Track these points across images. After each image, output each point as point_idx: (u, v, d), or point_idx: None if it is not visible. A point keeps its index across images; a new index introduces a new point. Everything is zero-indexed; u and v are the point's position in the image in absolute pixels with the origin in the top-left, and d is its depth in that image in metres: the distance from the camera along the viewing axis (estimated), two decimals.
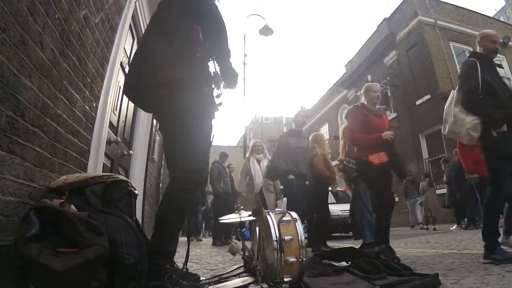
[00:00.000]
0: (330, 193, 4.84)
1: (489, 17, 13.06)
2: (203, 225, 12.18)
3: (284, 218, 1.61)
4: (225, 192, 5.90)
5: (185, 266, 1.63)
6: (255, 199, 2.15)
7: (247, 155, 5.04)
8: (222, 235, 5.95)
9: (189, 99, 1.42)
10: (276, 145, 4.27)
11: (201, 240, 6.77)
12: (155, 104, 1.51)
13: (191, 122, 1.44)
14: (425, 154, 10.48)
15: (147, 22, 3.42)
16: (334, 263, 2.09)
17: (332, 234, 6.94)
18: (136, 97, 1.61)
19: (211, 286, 1.60)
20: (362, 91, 3.31)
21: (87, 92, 1.90)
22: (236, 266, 2.18)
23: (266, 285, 1.44)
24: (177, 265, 1.68)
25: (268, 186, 4.62)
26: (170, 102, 1.43)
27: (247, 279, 1.66)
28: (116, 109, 2.62)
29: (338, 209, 7.26)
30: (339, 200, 8.48)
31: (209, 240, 8.02)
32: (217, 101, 1.56)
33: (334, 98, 16.78)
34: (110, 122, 2.39)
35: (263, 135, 31.84)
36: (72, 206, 1.23)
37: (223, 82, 1.65)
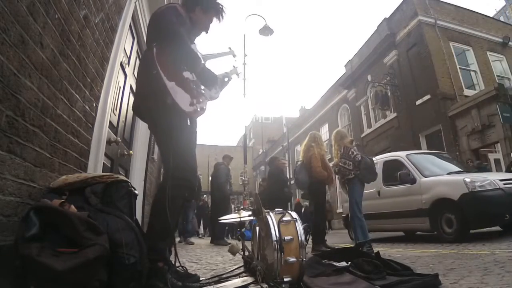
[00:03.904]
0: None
1: (489, 17, 13.05)
2: (201, 223, 12.14)
3: (284, 218, 1.61)
4: (230, 193, 6.30)
5: (178, 265, 1.67)
6: (255, 199, 2.15)
7: None
8: (224, 235, 6.07)
9: (160, 110, 1.58)
10: None
11: (192, 243, 6.09)
12: (146, 114, 1.72)
13: (169, 128, 1.59)
14: None
15: (147, 22, 3.43)
16: (334, 263, 2.09)
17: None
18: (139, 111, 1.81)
19: (211, 286, 1.60)
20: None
21: (87, 92, 1.90)
22: (236, 266, 2.18)
23: (266, 285, 1.44)
24: (177, 266, 1.68)
25: None
26: (152, 113, 1.64)
27: (247, 279, 1.67)
28: (116, 109, 2.62)
29: (497, 178, 4.01)
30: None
31: (202, 240, 7.91)
32: (198, 107, 1.70)
33: (334, 98, 16.79)
34: (110, 122, 2.39)
35: (263, 135, 31.89)
36: (72, 206, 1.23)
37: (202, 86, 1.78)
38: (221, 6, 1.93)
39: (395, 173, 5.02)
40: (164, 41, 1.60)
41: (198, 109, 1.69)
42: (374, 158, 4.13)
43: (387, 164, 5.52)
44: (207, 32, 1.96)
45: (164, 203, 1.49)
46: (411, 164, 4.90)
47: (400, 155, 5.39)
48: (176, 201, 1.57)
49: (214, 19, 1.94)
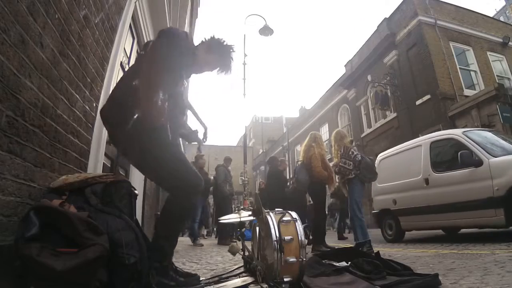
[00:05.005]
0: None
1: (489, 17, 13.04)
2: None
3: (284, 218, 1.61)
4: (230, 193, 6.28)
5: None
6: (255, 198, 2.15)
7: None
8: (229, 235, 6.12)
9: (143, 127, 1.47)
10: None
11: (202, 245, 5.91)
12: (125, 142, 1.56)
13: (164, 145, 1.53)
14: None
15: (147, 22, 3.43)
16: (334, 263, 2.09)
17: None
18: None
19: (211, 286, 1.60)
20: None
21: (87, 92, 1.90)
22: (236, 266, 2.19)
23: (266, 285, 1.44)
24: (175, 266, 1.69)
25: None
26: (135, 133, 1.49)
27: (247, 279, 1.67)
28: None
29: None
30: None
31: (203, 240, 7.88)
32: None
33: (334, 98, 16.78)
34: None
35: (263, 135, 31.88)
36: (72, 206, 1.23)
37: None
38: (226, 58, 1.77)
39: (449, 155, 4.28)
40: (161, 42, 1.56)
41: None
42: (389, 150, 3.98)
43: (436, 145, 4.64)
44: (198, 73, 1.87)
45: (179, 212, 1.58)
46: (473, 143, 3.97)
47: (455, 132, 4.47)
48: (190, 208, 1.66)
49: (217, 70, 1.80)
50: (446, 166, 4.35)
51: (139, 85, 1.48)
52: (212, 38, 1.79)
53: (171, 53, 1.55)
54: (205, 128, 2.21)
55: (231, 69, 1.81)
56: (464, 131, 4.43)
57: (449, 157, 4.36)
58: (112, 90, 1.70)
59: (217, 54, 1.77)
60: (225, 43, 1.78)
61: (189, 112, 2.26)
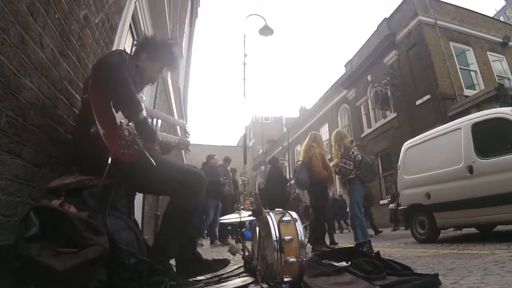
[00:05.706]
0: None
1: (489, 17, 13.06)
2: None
3: (284, 218, 1.61)
4: (230, 194, 6.32)
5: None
6: (255, 198, 2.15)
7: None
8: (228, 234, 6.15)
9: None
10: None
11: (202, 245, 6.09)
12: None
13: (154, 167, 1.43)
14: None
15: (147, 22, 3.43)
16: (334, 263, 2.09)
17: None
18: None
19: (211, 286, 1.60)
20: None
21: None
22: (236, 266, 2.18)
23: (266, 285, 1.44)
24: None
25: None
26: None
27: (247, 279, 1.67)
28: None
29: None
30: None
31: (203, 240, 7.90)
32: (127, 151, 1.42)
33: (334, 98, 16.79)
34: None
35: (263, 135, 31.90)
36: (72, 206, 1.23)
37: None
38: (173, 59, 1.74)
39: (498, 138, 3.75)
40: (103, 81, 1.40)
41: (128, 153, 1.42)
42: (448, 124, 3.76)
43: (479, 127, 3.97)
44: (153, 84, 1.80)
45: (176, 212, 1.58)
46: None
47: (504, 111, 3.80)
48: (189, 210, 1.64)
49: (165, 70, 1.78)
50: (495, 150, 3.69)
51: (97, 129, 1.31)
52: (146, 43, 1.69)
53: (118, 79, 1.38)
54: (183, 125, 2.14)
55: (178, 65, 1.78)
56: None
57: (498, 139, 3.77)
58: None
59: (162, 59, 1.71)
60: (163, 42, 1.71)
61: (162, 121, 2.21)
